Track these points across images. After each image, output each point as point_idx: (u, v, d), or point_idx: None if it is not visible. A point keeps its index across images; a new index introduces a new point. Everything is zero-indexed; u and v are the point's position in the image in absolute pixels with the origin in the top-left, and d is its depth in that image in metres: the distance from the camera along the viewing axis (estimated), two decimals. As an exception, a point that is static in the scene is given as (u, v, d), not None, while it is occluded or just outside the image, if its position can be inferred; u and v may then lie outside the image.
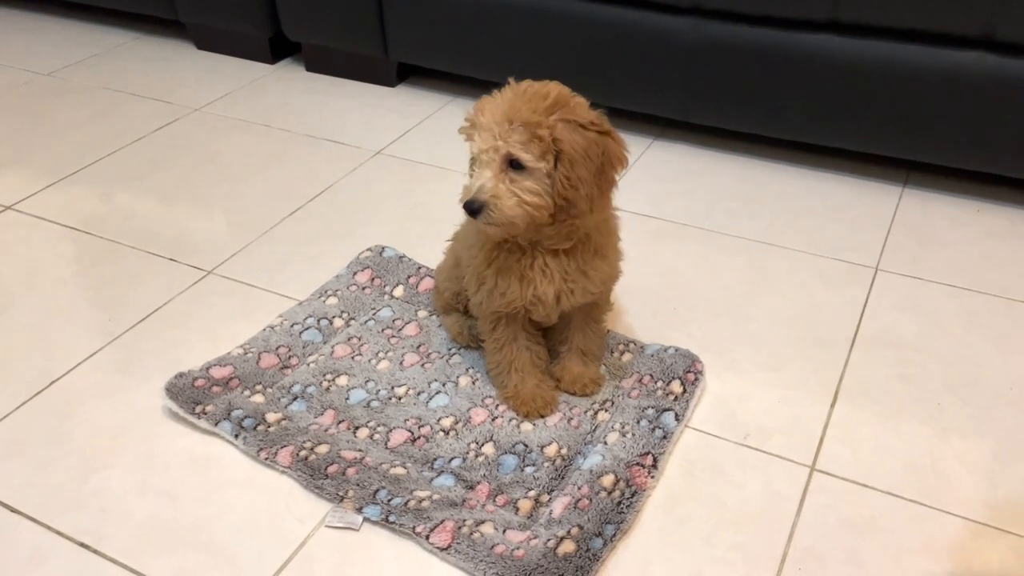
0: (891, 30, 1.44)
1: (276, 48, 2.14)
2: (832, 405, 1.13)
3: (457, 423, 1.10)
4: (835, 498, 1.01)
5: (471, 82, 1.93)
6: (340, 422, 1.10)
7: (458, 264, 1.14)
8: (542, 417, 1.10)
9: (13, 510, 1.00)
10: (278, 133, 1.84)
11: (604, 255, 1.05)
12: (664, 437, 1.06)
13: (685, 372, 1.14)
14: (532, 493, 1.01)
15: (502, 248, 1.02)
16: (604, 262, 1.05)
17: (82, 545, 0.96)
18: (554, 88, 0.95)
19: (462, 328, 1.21)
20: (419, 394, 1.15)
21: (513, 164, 0.92)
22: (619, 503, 0.97)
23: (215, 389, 1.13)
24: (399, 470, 1.03)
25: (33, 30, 2.38)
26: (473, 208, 0.93)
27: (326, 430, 1.09)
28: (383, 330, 1.26)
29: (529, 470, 1.04)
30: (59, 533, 0.97)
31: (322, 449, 1.05)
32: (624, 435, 1.06)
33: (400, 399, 1.14)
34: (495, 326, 1.10)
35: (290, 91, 2.02)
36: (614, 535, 0.95)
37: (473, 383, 1.16)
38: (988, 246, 1.44)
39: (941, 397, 1.14)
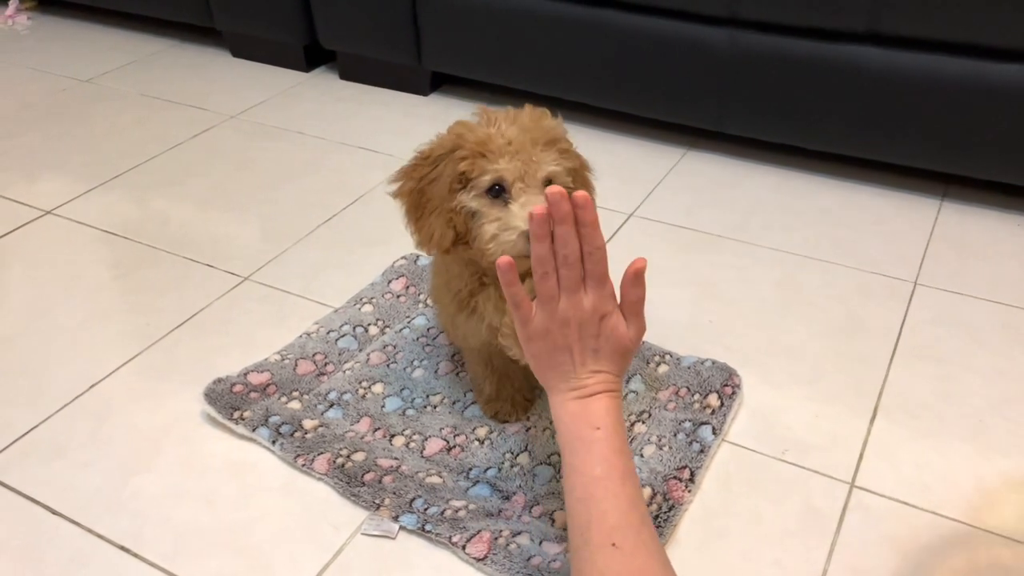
0: (930, 42, 1.43)
1: (311, 56, 2.16)
2: (871, 421, 1.12)
3: (492, 432, 1.10)
4: (875, 516, 0.99)
5: (504, 91, 1.94)
6: (376, 430, 1.11)
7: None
8: (505, 423, 1.11)
9: (54, 512, 1.01)
10: (312, 141, 1.85)
11: None
12: (701, 451, 1.05)
13: (722, 385, 1.13)
14: (568, 505, 1.00)
15: (464, 286, 0.98)
16: None
17: (122, 548, 0.97)
18: (538, 108, 0.93)
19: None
20: (454, 403, 1.15)
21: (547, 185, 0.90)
22: (656, 517, 0.97)
23: (253, 395, 1.14)
24: (435, 479, 1.03)
25: (72, 37, 2.42)
26: None
27: (362, 437, 1.09)
28: (418, 338, 1.26)
29: (565, 481, 1.03)
30: (100, 536, 0.98)
31: (359, 457, 1.05)
32: (661, 448, 1.05)
33: (435, 407, 1.14)
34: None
35: (324, 99, 2.03)
36: (651, 549, 0.94)
37: (508, 393, 1.16)
38: (1029, 261, 1.42)
39: (983, 414, 1.13)
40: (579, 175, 0.95)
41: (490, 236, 0.88)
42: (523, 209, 0.85)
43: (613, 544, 0.76)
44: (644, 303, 0.85)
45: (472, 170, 0.88)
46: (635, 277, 0.83)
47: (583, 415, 0.82)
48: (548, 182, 0.88)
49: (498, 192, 0.88)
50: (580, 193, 0.79)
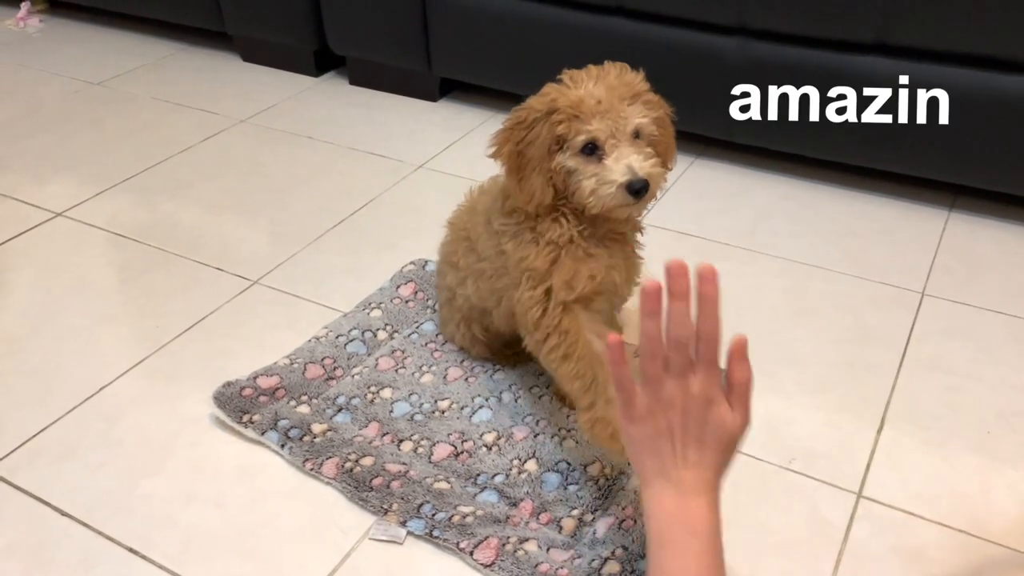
0: (939, 53, 1.43)
1: (320, 61, 2.17)
2: (879, 430, 1.12)
3: (500, 439, 1.11)
4: (883, 526, 0.99)
5: (512, 98, 1.93)
6: (384, 435, 1.11)
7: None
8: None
9: (64, 513, 1.02)
10: (322, 145, 1.86)
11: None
12: (709, 459, 1.05)
13: (730, 394, 1.13)
14: (576, 512, 1.00)
15: (561, 235, 0.99)
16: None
17: (131, 550, 0.97)
18: (618, 63, 0.98)
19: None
20: (462, 408, 1.15)
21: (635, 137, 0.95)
22: (664, 524, 0.97)
23: (262, 399, 1.14)
24: (443, 484, 1.03)
25: (84, 40, 2.43)
26: (640, 187, 0.92)
27: (371, 442, 1.10)
28: (426, 344, 1.27)
29: (572, 488, 1.04)
30: (109, 538, 0.99)
31: (367, 461, 1.06)
32: (668, 456, 1.05)
33: (443, 413, 1.15)
34: (559, 319, 0.99)
35: (334, 104, 2.04)
36: (659, 557, 0.94)
37: (516, 400, 1.16)
38: (1037, 272, 1.42)
39: (991, 425, 1.12)
40: (663, 123, 1.00)
41: (589, 191, 0.94)
42: (617, 163, 0.93)
43: None
44: (751, 387, 0.78)
45: (568, 132, 0.94)
46: (740, 353, 0.76)
47: (680, 516, 0.76)
48: (637, 134, 0.95)
49: (592, 149, 0.94)
50: (706, 265, 0.75)
